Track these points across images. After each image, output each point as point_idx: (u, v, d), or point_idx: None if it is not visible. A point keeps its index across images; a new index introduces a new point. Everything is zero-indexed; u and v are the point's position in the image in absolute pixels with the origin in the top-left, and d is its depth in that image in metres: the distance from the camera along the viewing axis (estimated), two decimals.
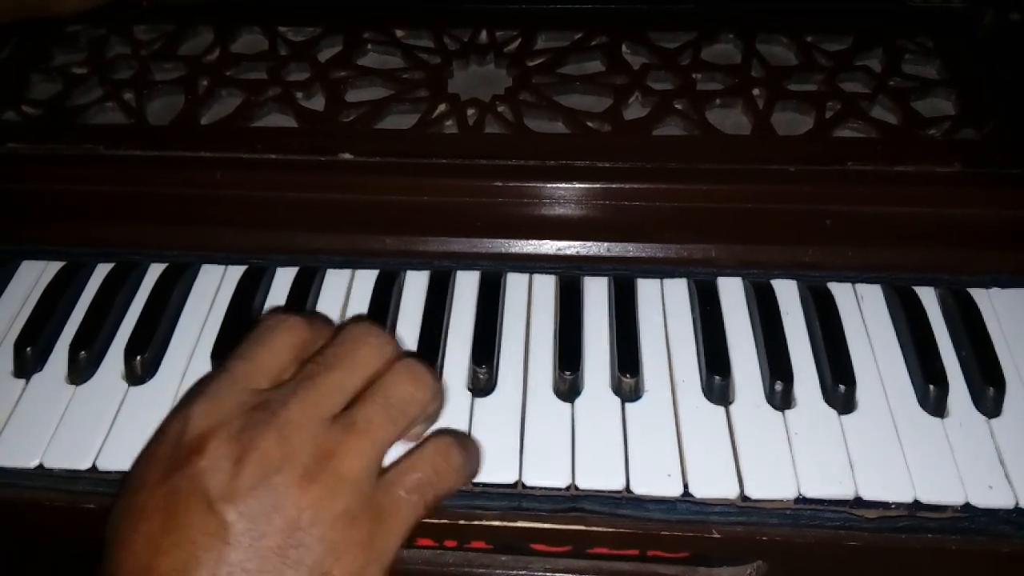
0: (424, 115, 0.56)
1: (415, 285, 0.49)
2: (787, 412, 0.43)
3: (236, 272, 0.50)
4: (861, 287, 0.49)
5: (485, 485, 0.41)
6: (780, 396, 0.43)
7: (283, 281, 0.50)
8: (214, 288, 0.50)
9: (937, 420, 0.43)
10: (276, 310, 0.46)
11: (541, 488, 0.41)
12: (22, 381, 0.46)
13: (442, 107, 0.56)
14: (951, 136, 0.54)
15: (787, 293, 0.48)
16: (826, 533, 0.39)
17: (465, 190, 0.52)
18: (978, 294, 0.48)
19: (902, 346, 0.46)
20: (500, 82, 0.59)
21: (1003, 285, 0.48)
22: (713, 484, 0.40)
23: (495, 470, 0.41)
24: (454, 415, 0.43)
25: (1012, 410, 0.43)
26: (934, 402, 0.43)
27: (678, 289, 0.49)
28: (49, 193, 0.53)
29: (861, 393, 0.44)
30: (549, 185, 0.51)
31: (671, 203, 0.51)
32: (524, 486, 0.41)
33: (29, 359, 0.46)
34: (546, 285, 0.49)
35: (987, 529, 0.39)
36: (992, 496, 0.40)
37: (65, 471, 0.42)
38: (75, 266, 0.51)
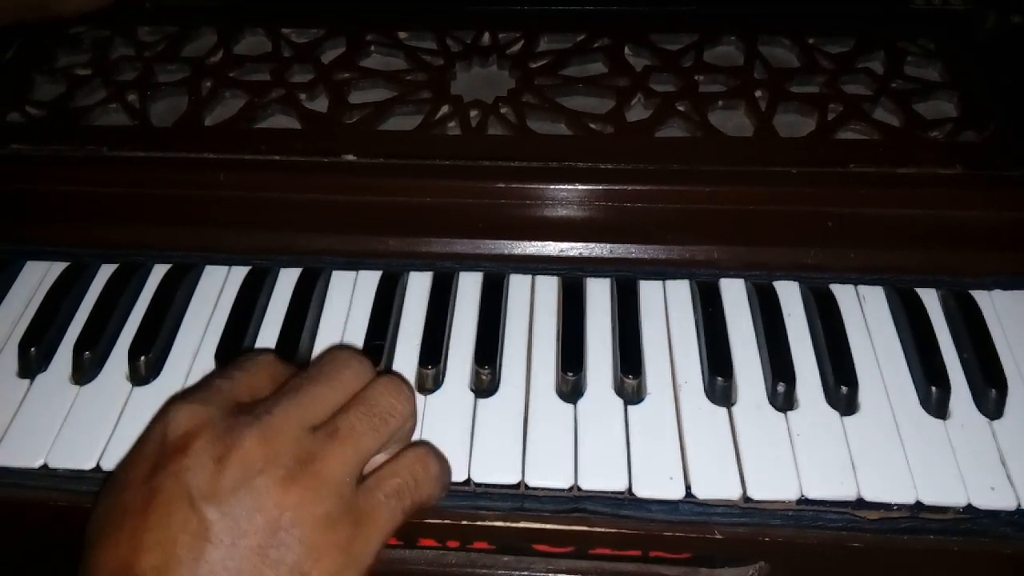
0: (427, 117, 0.56)
1: (418, 286, 0.49)
2: (789, 413, 0.43)
3: (240, 273, 0.50)
4: (863, 288, 0.49)
5: (488, 486, 0.41)
6: (782, 397, 0.43)
7: (286, 282, 0.50)
8: (218, 289, 0.50)
9: (939, 421, 0.43)
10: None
11: (544, 489, 0.41)
12: (26, 381, 0.46)
13: (445, 109, 0.56)
14: (953, 138, 0.54)
15: (789, 294, 0.48)
16: (828, 534, 0.40)
17: (468, 191, 0.52)
18: (980, 296, 0.48)
19: (904, 347, 0.46)
20: (503, 84, 0.59)
21: (1005, 287, 0.48)
22: (715, 485, 0.40)
23: (498, 471, 0.41)
24: (457, 416, 0.43)
25: (1014, 411, 0.43)
26: (936, 403, 0.43)
27: (680, 290, 0.49)
28: (53, 194, 0.54)
29: (863, 394, 0.44)
30: (552, 187, 0.51)
31: (673, 205, 0.51)
32: (527, 487, 0.41)
33: (33, 359, 0.46)
34: (549, 286, 0.49)
35: (989, 530, 0.39)
36: (994, 497, 0.40)
37: (69, 471, 0.42)
38: (79, 267, 0.51)
